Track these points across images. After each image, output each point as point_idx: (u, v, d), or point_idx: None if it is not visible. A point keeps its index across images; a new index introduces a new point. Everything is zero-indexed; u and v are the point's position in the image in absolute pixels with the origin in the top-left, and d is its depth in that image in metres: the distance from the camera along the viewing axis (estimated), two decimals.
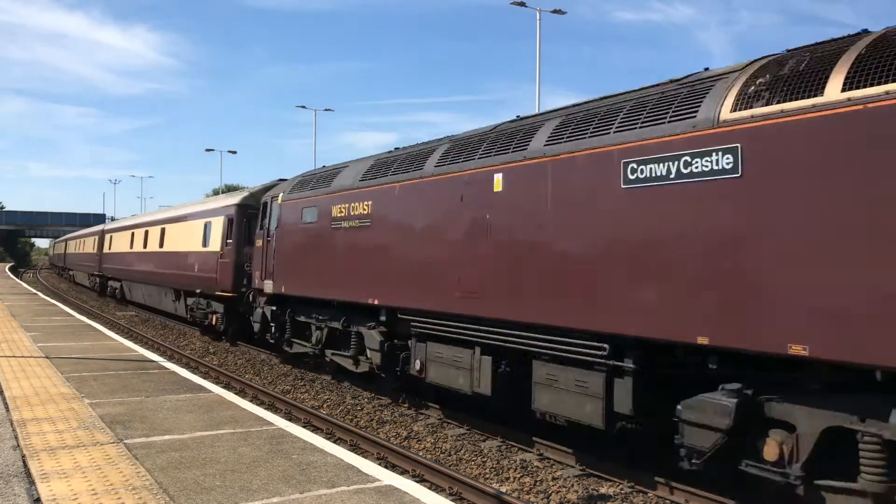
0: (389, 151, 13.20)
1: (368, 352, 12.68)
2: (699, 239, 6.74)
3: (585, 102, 9.03)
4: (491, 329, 9.41)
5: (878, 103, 5.50)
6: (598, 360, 7.83)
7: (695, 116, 6.92)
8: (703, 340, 6.62)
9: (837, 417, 5.88)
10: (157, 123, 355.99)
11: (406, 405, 12.82)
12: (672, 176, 6.98)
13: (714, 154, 6.62)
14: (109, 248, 38.80)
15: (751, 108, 6.45)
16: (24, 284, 48.31)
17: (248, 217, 19.79)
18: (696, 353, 7.02)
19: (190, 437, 7.52)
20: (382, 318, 12.23)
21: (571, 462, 9.31)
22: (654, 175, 7.17)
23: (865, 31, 6.29)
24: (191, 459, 6.67)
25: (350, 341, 13.43)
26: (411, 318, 11.05)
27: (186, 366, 16.11)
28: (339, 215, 13.29)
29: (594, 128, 8.16)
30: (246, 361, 18.42)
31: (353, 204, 12.82)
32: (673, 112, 7.22)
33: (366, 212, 12.39)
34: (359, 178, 12.94)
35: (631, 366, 7.57)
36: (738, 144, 6.43)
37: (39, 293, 36.84)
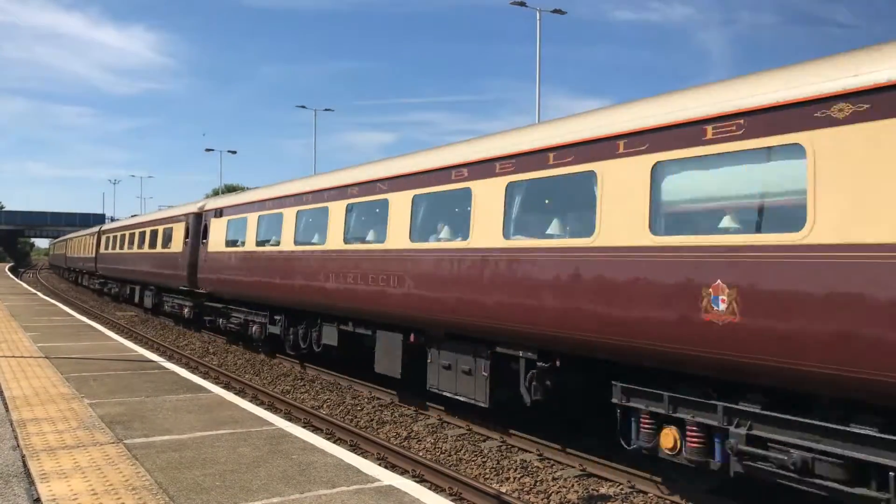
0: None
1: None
2: None
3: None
4: None
5: None
6: None
7: None
8: None
9: None
10: (157, 123, 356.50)
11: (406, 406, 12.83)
12: None
13: None
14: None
15: None
16: (24, 284, 48.29)
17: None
18: None
19: (190, 438, 7.52)
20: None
21: (571, 462, 9.31)
22: None
23: None
24: (190, 460, 6.67)
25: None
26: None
27: (186, 366, 16.11)
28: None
29: None
30: (246, 362, 18.41)
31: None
32: None
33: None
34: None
35: None
36: None
37: (39, 293, 36.82)
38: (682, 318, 6.80)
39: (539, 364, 8.93)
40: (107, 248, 38.10)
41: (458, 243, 9.91)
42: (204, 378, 13.39)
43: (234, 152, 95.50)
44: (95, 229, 45.43)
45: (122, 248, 33.77)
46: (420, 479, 8.44)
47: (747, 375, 6.54)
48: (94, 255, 41.94)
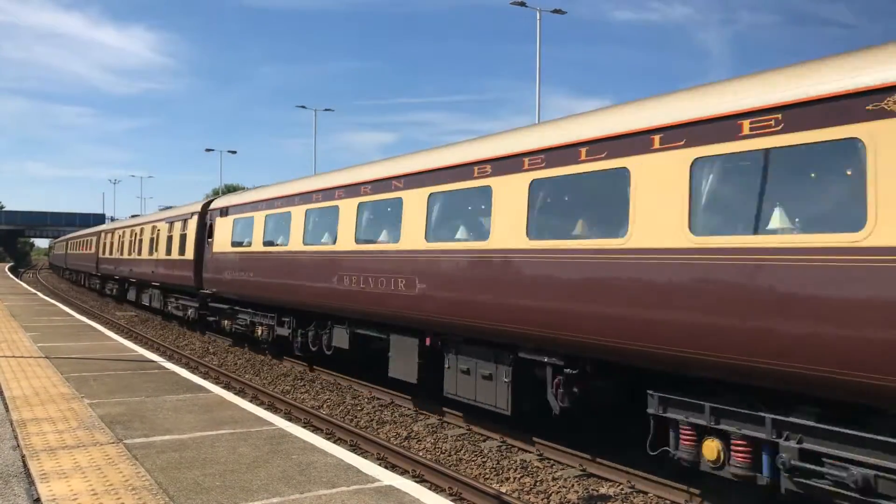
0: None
1: None
2: None
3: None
4: None
5: None
6: None
7: None
8: None
9: None
10: (157, 123, 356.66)
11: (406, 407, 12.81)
12: None
13: None
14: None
15: None
16: (24, 284, 48.30)
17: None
18: None
19: (190, 438, 7.52)
20: None
21: (571, 462, 9.31)
22: None
23: None
24: (190, 460, 6.67)
25: None
26: None
27: (186, 366, 16.11)
28: None
29: None
30: (246, 362, 18.40)
31: None
32: None
33: None
34: None
35: None
36: None
37: (39, 293, 36.81)
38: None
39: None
40: (249, 238, 17.72)
41: None
42: (204, 378, 13.39)
43: (234, 152, 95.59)
44: (190, 209, 23.36)
45: (361, 237, 13.19)
46: (420, 479, 8.44)
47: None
48: (188, 256, 22.23)
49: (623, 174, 7.74)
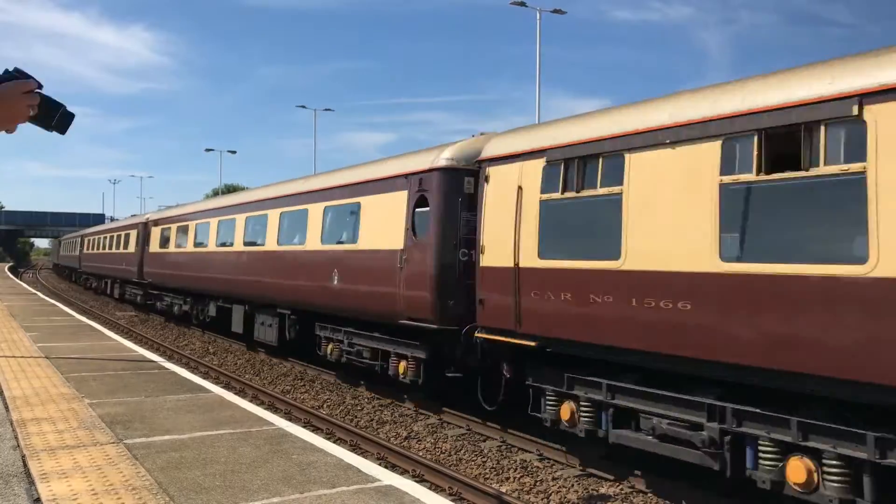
0: None
1: None
2: None
3: None
4: None
5: None
6: None
7: None
8: None
9: None
10: (156, 123, 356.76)
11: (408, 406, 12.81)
12: None
13: None
14: None
15: None
16: (24, 284, 48.29)
17: None
18: None
19: (190, 438, 7.51)
20: None
21: (571, 462, 9.31)
22: None
23: None
24: (191, 459, 6.67)
25: None
26: None
27: (186, 366, 16.11)
28: None
29: None
30: (246, 361, 18.42)
31: None
32: None
33: None
34: None
35: None
36: None
37: (39, 293, 36.81)
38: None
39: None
40: None
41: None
42: (204, 378, 13.39)
43: (234, 152, 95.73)
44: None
45: None
46: (420, 479, 8.44)
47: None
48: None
49: None
